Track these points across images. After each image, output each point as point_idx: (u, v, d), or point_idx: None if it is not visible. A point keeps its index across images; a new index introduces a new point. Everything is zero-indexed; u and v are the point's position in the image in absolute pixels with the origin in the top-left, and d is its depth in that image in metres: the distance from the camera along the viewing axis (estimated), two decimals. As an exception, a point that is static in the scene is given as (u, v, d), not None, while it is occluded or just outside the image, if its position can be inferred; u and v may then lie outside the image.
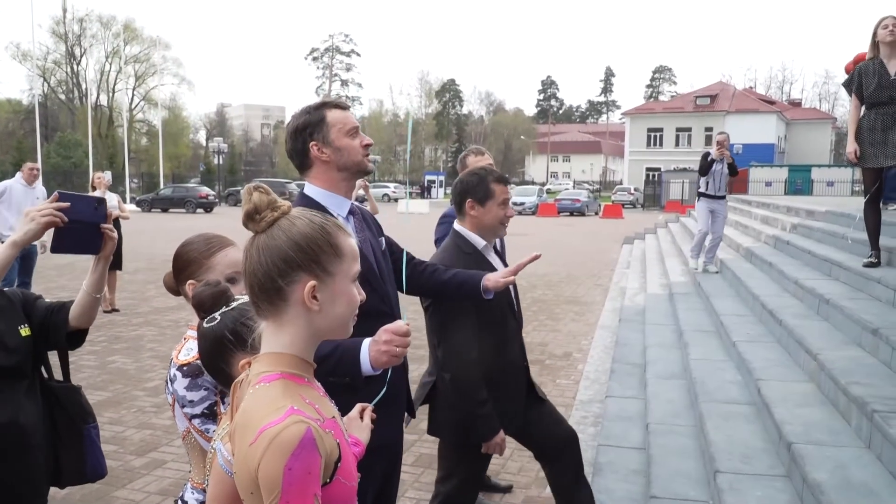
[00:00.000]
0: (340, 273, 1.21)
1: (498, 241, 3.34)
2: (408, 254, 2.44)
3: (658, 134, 56.77)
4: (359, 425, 1.60)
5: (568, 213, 35.52)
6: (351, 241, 1.26)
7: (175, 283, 1.99)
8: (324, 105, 2.15)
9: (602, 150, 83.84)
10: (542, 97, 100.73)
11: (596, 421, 4.81)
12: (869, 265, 5.38)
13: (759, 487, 3.06)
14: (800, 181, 33.91)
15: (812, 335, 4.50)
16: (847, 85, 5.63)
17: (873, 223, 5.52)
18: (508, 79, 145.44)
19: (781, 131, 53.68)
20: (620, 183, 57.26)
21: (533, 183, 57.58)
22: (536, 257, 2.50)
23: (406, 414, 2.33)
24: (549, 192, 48.00)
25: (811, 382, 4.04)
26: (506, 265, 2.81)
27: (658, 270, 11.19)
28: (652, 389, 5.01)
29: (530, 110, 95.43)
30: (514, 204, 35.79)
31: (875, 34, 5.39)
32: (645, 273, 11.44)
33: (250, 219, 1.20)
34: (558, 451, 2.84)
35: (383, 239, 2.31)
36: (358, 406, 1.64)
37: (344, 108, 2.17)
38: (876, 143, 5.35)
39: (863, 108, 5.46)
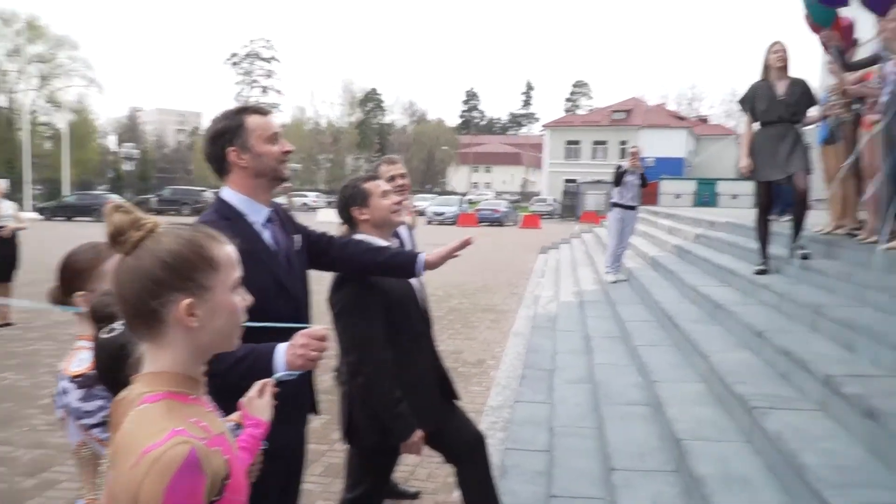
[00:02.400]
0: (218, 285, 1.18)
1: (409, 239, 3.38)
2: (329, 236, 2.46)
3: (576, 146, 58.36)
4: (259, 404, 1.58)
5: (488, 224, 35.97)
6: (227, 249, 1.23)
7: (62, 295, 1.93)
8: (244, 110, 2.14)
9: (522, 161, 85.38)
10: (465, 108, 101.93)
11: (505, 426, 4.91)
12: (759, 272, 5.72)
13: (651, 483, 3.21)
14: (707, 194, 35.47)
15: (706, 339, 4.75)
16: (742, 103, 5.97)
17: (764, 233, 5.87)
18: (432, 89, 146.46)
19: (691, 146, 56.01)
20: (539, 194, 58.52)
21: (454, 193, 58.06)
22: (468, 242, 2.50)
23: (310, 414, 2.34)
24: (470, 202, 48.50)
25: (703, 383, 4.25)
26: None
27: (570, 279, 11.50)
28: (559, 394, 5.16)
29: (453, 121, 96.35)
30: (435, 214, 36.17)
31: (766, 58, 5.75)
32: (558, 282, 11.73)
33: (114, 241, 1.15)
34: (468, 452, 2.89)
35: (299, 236, 2.31)
36: (257, 383, 1.62)
37: (264, 113, 2.16)
38: (766, 158, 5.69)
39: (755, 126, 5.81)
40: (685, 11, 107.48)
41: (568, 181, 50.20)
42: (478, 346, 7.73)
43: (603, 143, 57.43)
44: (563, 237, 21.53)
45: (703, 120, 65.40)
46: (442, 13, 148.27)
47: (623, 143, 53.23)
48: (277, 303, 2.07)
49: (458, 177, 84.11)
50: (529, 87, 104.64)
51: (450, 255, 2.51)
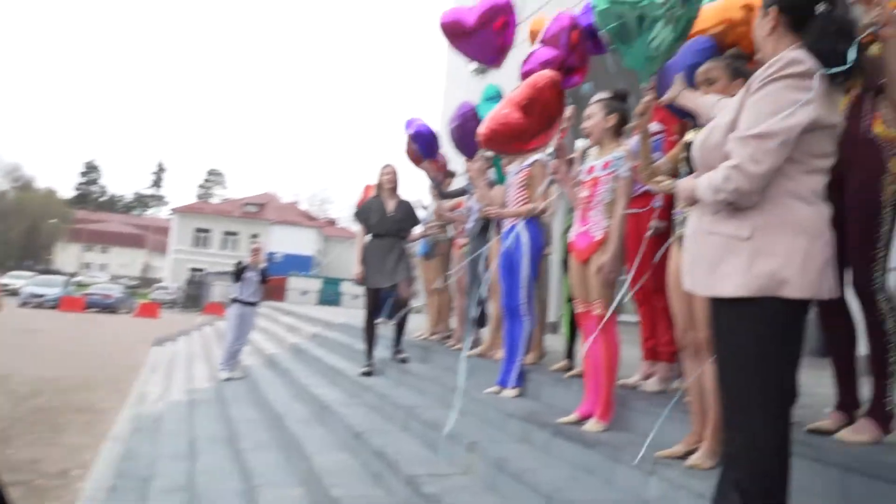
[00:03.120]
0: None
1: None
2: None
3: (206, 234, 56.81)
4: None
5: (98, 310, 32.51)
6: None
7: None
8: None
9: (146, 244, 80.00)
10: (82, 181, 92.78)
11: (83, 548, 4.30)
12: (364, 374, 6.09)
13: None
14: (332, 292, 37.18)
15: (310, 440, 4.83)
16: (357, 216, 6.45)
17: (371, 336, 6.31)
18: (42, 154, 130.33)
19: (320, 245, 58.63)
20: (162, 281, 55.15)
21: (60, 273, 51.60)
22: None
23: None
24: (79, 284, 43.53)
25: (303, 486, 4.28)
26: None
27: (184, 375, 10.87)
28: (153, 506, 4.72)
29: (68, 193, 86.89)
30: (32, 296, 31.56)
31: (379, 178, 6.37)
32: (171, 378, 10.99)
33: None
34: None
35: None
36: None
37: None
38: (375, 267, 6.20)
39: (367, 237, 6.32)
40: (321, 118, 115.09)
41: (194, 270, 48.39)
42: (62, 452, 6.75)
43: (234, 233, 56.96)
44: (182, 329, 20.41)
45: (332, 222, 69.27)
46: (63, 71, 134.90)
47: (255, 235, 53.34)
48: None
49: (67, 255, 75.19)
50: (161, 168, 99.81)
51: None
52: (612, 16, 2.80)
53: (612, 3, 2.78)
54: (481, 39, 4.87)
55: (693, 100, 2.66)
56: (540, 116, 4.32)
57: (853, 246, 2.49)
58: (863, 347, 2.68)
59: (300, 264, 48.96)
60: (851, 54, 1.83)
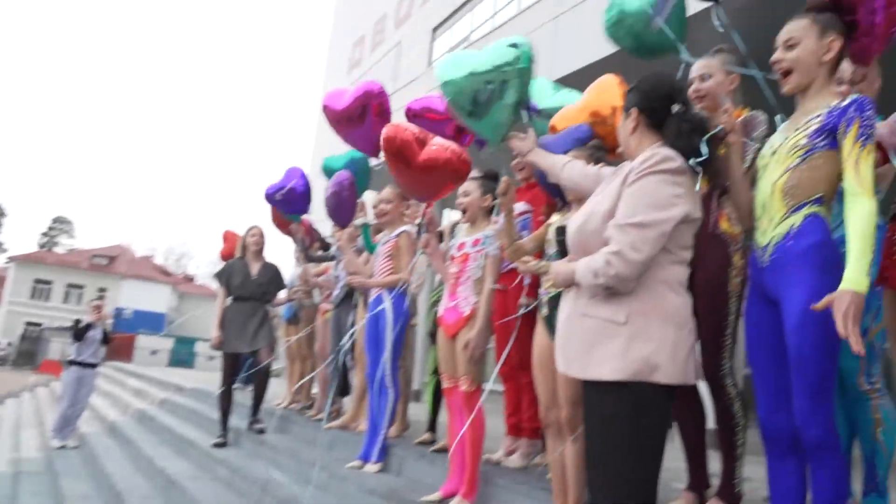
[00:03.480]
0: None
1: None
2: None
3: (46, 286, 52.32)
4: None
5: None
6: None
7: None
8: None
9: (-26, 294, 72.68)
10: None
11: None
12: (217, 445, 5.73)
13: None
14: (184, 353, 35.18)
15: (152, 520, 4.44)
16: (218, 277, 6.18)
17: (227, 404, 5.98)
18: None
19: (174, 302, 55.62)
20: (-10, 335, 50.02)
21: None
22: None
23: None
24: None
25: (141, 574, 3.91)
26: None
27: (10, 443, 9.78)
28: None
29: None
30: None
31: (245, 239, 6.20)
32: (-8, 446, 9.85)
33: None
34: None
35: None
36: None
37: None
38: (236, 331, 5.94)
39: (229, 300, 6.06)
40: (183, 168, 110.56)
41: (30, 324, 44.39)
42: None
43: (80, 287, 52.85)
44: (11, 389, 18.50)
45: (190, 278, 66.18)
46: None
47: (102, 290, 49.83)
48: None
49: None
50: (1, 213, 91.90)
51: None
52: (465, 92, 2.81)
53: (466, 78, 2.81)
54: (360, 133, 4.79)
55: (543, 158, 2.73)
56: (430, 176, 4.22)
57: (704, 336, 2.65)
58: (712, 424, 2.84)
59: (152, 322, 46.19)
60: (704, 148, 2.00)
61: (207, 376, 13.56)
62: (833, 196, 2.18)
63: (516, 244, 2.95)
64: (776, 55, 2.22)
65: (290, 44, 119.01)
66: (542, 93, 4.03)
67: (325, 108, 4.86)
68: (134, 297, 46.05)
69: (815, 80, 2.18)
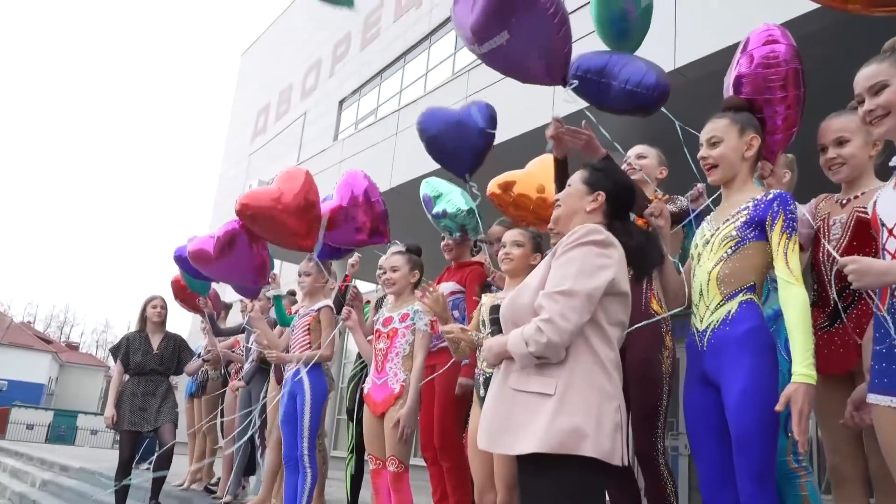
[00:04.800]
0: None
1: None
2: None
3: None
4: None
5: None
6: None
7: None
8: None
9: None
10: None
11: None
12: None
13: None
14: (64, 427, 32.66)
15: None
16: (115, 351, 5.78)
17: (123, 493, 5.51)
18: None
19: (55, 372, 51.91)
20: None
21: None
22: None
23: None
24: None
25: None
26: None
27: None
28: None
29: None
30: None
31: (145, 311, 5.85)
32: None
33: None
34: None
35: None
36: None
37: None
38: (135, 408, 5.54)
39: (126, 376, 5.66)
40: (70, 228, 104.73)
41: None
42: None
43: (-54, 356, 48.55)
44: None
45: (74, 346, 62.11)
46: None
47: (-28, 359, 45.97)
48: None
49: None
50: None
51: None
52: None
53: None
54: (227, 266, 4.78)
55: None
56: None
57: (636, 415, 2.68)
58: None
59: (29, 393, 42.81)
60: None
61: (93, 453, 12.60)
62: (763, 282, 2.30)
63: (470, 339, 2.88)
64: (702, 152, 2.38)
65: (189, 107, 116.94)
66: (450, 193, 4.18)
67: (192, 253, 4.84)
68: (9, 365, 42.63)
69: (738, 174, 2.35)
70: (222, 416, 6.11)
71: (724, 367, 2.16)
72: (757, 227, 2.21)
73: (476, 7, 2.69)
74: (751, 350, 2.12)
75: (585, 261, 1.99)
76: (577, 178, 2.28)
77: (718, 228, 2.31)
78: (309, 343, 4.32)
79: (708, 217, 2.45)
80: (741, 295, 2.21)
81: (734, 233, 2.25)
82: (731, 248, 2.24)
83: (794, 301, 2.06)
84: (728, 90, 2.53)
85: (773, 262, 2.17)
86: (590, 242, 2.01)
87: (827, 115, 2.48)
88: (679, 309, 2.45)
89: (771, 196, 2.22)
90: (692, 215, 2.66)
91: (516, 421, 1.95)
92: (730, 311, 2.20)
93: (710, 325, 2.25)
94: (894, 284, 1.87)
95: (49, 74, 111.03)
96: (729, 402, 2.12)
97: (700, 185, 2.85)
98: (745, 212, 2.25)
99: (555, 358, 1.94)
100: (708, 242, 2.33)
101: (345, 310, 3.89)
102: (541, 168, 3.65)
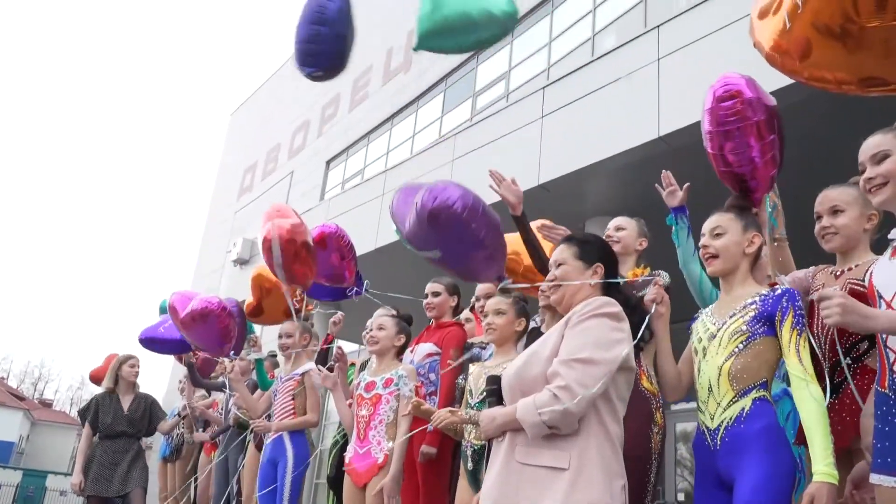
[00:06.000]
0: None
1: None
2: None
3: None
4: None
5: None
6: None
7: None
8: None
9: None
10: None
11: None
12: None
13: None
14: (32, 488, 31.57)
15: None
16: (83, 413, 5.60)
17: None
18: None
19: (25, 430, 50.45)
20: None
21: None
22: None
23: None
24: None
25: None
26: None
27: None
28: None
29: None
30: None
31: (120, 371, 5.69)
32: None
33: None
34: None
35: None
36: None
37: None
38: (105, 472, 5.35)
39: (96, 438, 5.46)
40: (43, 283, 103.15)
41: None
42: None
43: (-87, 413, 47.07)
44: None
45: (47, 404, 60.55)
46: None
47: (-60, 416, 44.61)
48: None
49: None
50: None
51: None
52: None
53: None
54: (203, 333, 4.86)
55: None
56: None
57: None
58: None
59: (-2, 453, 41.48)
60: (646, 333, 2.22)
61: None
62: (773, 378, 2.27)
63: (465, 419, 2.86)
64: (704, 241, 2.41)
65: (174, 163, 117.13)
66: None
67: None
68: (-23, 424, 41.38)
69: (738, 267, 2.36)
70: (195, 483, 5.89)
71: (739, 465, 2.10)
72: (766, 322, 2.19)
73: (407, 224, 2.98)
74: (766, 449, 2.07)
75: (603, 332, 1.98)
76: (567, 256, 2.26)
77: (725, 322, 2.28)
78: (293, 409, 4.19)
79: (707, 310, 2.43)
80: (754, 392, 2.17)
81: (744, 327, 2.21)
82: (741, 342, 2.21)
83: (808, 399, 2.04)
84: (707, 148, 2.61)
85: (782, 356, 2.16)
86: (605, 315, 2.01)
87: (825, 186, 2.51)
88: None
89: (779, 292, 2.22)
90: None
91: (526, 497, 1.88)
92: (744, 409, 2.15)
93: (722, 422, 2.19)
94: (876, 332, 1.89)
95: (37, 129, 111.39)
96: (740, 494, 2.04)
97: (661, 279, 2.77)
98: (753, 307, 2.23)
99: (567, 429, 1.89)
100: (714, 336, 2.28)
101: (328, 374, 3.78)
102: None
